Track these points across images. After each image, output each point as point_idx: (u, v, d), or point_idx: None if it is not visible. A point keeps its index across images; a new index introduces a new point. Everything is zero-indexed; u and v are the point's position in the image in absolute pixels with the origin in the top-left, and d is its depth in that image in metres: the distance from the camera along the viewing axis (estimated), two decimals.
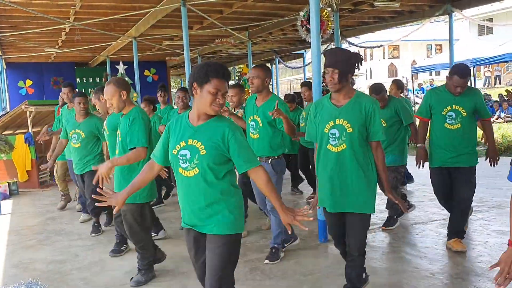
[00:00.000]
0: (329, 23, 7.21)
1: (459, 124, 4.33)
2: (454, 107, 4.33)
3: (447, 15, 9.99)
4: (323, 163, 3.26)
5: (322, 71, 4.36)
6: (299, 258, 4.50)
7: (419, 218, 5.68)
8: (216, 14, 10.06)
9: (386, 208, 5.46)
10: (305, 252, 4.68)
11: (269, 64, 19.90)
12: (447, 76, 4.42)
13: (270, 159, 4.33)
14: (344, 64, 3.10)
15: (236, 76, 21.01)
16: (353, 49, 29.33)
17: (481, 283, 3.69)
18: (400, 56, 43.64)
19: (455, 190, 4.41)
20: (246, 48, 13.46)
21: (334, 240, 3.53)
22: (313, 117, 3.31)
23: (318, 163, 3.32)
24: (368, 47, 15.84)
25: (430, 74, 32.14)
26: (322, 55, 3.56)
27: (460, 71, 4.23)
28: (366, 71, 41.81)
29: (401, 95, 7.09)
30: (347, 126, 3.12)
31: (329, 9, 7.29)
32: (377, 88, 5.18)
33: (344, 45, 13.32)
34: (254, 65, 18.51)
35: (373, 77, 41.06)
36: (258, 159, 3.69)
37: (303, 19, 7.27)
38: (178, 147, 2.55)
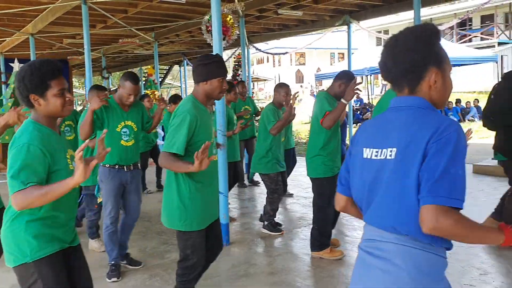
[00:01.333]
0: (234, 28, 7.30)
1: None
2: None
3: (346, 26, 10.53)
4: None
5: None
6: None
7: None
8: (120, 13, 9.76)
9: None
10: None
11: (177, 66, 19.72)
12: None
13: None
14: None
15: (143, 77, 20.53)
16: (260, 55, 29.62)
17: None
18: (306, 63, 45.31)
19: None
20: (152, 49, 13.21)
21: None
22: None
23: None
24: (274, 54, 16.21)
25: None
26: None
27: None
28: (275, 77, 42.87)
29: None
30: None
31: (234, 14, 7.38)
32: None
33: (252, 51, 13.56)
34: (160, 66, 18.25)
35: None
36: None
37: (207, 23, 7.30)
38: None
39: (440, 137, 1.47)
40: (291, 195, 7.23)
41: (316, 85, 24.18)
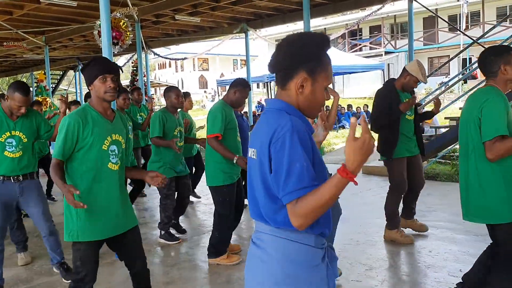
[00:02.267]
0: (128, 33, 7.12)
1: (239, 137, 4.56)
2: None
3: (244, 33, 10.76)
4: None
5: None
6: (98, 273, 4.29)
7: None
8: (4, 15, 9.11)
9: None
10: (100, 269, 4.50)
11: (72, 71, 18.81)
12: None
13: None
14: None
15: (35, 83, 19.29)
16: (162, 60, 29.13)
17: None
18: (209, 69, 45.47)
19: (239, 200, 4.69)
20: (43, 53, 12.48)
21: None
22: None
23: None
24: (173, 59, 16.08)
25: None
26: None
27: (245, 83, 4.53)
28: (178, 82, 42.47)
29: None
30: (122, 142, 2.95)
31: (127, 19, 7.20)
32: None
33: (150, 56, 13.33)
34: (53, 71, 17.26)
35: (185, 87, 41.92)
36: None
37: (99, 28, 7.04)
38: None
39: (276, 139, 1.58)
40: (198, 197, 7.31)
41: (218, 91, 24.28)
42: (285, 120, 1.60)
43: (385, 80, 5.35)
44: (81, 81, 18.38)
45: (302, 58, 1.65)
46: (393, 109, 4.68)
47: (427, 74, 4.78)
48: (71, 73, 20.01)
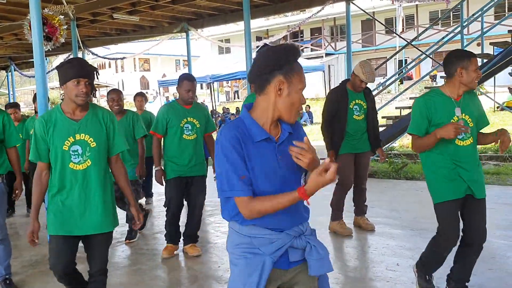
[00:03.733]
0: (61, 31, 6.83)
1: (194, 135, 4.54)
2: (189, 119, 4.54)
3: (185, 33, 10.63)
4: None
5: None
6: (31, 282, 4.16)
7: (157, 228, 5.82)
8: None
9: (126, 222, 5.40)
10: (34, 278, 4.29)
11: (4, 71, 17.88)
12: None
13: None
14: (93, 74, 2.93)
15: None
16: (102, 60, 28.35)
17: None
18: (151, 69, 44.64)
19: (192, 197, 4.65)
20: None
21: None
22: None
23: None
24: (111, 59, 15.65)
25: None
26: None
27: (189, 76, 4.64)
28: (118, 83, 41.40)
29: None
30: (90, 141, 2.89)
31: (61, 16, 6.91)
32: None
33: (88, 56, 12.90)
34: None
35: (126, 88, 40.95)
36: None
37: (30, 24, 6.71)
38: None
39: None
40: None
41: (160, 92, 23.91)
42: (222, 128, 1.94)
43: (328, 82, 5.54)
44: (14, 82, 17.50)
45: (278, 63, 1.86)
46: (340, 108, 4.89)
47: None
48: (3, 73, 19.01)
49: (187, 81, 4.46)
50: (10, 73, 16.78)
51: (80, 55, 11.01)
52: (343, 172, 4.95)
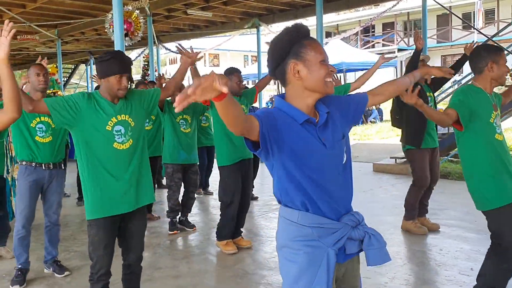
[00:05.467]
0: (139, 27, 7.12)
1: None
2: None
3: (256, 28, 10.71)
4: None
5: None
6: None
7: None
8: (18, 8, 9.17)
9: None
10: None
11: (84, 65, 18.90)
12: None
13: None
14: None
15: None
16: (174, 55, 29.08)
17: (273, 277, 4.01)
18: (220, 65, 45.43)
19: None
20: (56, 47, 12.56)
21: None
22: None
23: None
24: None
25: (247, 83, 34.19)
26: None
27: None
28: (188, 78, 42.50)
29: None
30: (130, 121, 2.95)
31: (137, 11, 7.20)
32: None
33: (162, 51, 13.35)
34: (65, 65, 17.34)
35: None
36: None
37: (111, 21, 7.05)
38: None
39: None
40: (210, 193, 7.26)
41: None
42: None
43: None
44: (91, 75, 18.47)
45: (284, 50, 1.78)
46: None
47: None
48: (82, 67, 20.11)
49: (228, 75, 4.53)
50: (89, 66, 17.71)
51: (155, 50, 11.42)
52: (421, 169, 4.86)
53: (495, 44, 3.16)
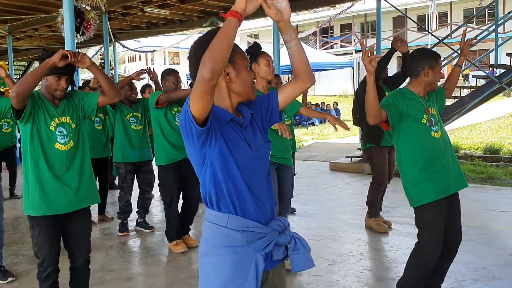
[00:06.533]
0: (94, 24, 6.96)
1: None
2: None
3: (213, 27, 10.65)
4: None
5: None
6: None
7: None
8: None
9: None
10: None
11: (38, 62, 18.31)
12: None
13: None
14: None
15: None
16: (132, 52, 28.63)
17: None
18: (180, 63, 45.02)
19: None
20: (6, 43, 12.10)
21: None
22: None
23: None
24: (141, 52, 15.84)
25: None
26: None
27: None
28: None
29: None
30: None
31: (89, 7, 7.03)
32: None
33: (118, 49, 13.09)
34: (17, 61, 16.68)
35: None
36: None
37: (63, 18, 6.85)
38: None
39: None
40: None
41: (187, 84, 24.08)
42: None
43: (357, 78, 5.57)
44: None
45: None
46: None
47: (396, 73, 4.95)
48: (37, 64, 19.50)
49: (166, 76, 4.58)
50: None
51: (111, 47, 11.19)
52: (381, 167, 4.98)
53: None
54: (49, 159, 2.84)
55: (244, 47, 1.88)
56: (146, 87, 6.97)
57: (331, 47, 29.38)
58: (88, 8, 6.97)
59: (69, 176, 2.88)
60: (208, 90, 1.55)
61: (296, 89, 1.89)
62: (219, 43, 1.55)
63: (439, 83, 3.16)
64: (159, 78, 4.90)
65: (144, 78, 4.99)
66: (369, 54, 2.78)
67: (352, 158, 9.08)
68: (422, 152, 2.97)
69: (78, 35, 6.81)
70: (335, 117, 3.84)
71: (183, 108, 1.65)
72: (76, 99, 3.00)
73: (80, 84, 6.89)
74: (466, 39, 3.36)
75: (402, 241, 4.75)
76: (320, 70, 18.04)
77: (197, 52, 1.75)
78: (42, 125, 2.83)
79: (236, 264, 1.70)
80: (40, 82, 2.86)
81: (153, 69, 5.08)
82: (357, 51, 27.68)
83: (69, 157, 2.89)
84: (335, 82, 26.05)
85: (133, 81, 5.05)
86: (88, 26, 7.10)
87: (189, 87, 4.46)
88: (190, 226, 4.88)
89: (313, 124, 18.58)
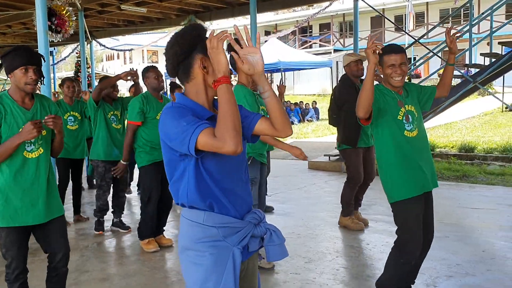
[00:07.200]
0: (70, 22, 6.84)
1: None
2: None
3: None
4: None
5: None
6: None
7: None
8: None
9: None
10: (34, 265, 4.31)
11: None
12: None
13: None
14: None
15: None
16: (110, 51, 28.46)
17: None
18: (159, 61, 44.67)
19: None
20: None
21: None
22: None
23: None
24: (118, 50, 15.65)
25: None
26: None
27: None
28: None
29: None
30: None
31: (71, 7, 6.91)
32: None
33: (96, 47, 12.92)
34: None
35: None
36: None
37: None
38: None
39: None
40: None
41: (166, 83, 23.94)
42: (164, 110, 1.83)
43: (335, 77, 5.61)
44: None
45: (192, 44, 1.79)
46: (349, 99, 4.81)
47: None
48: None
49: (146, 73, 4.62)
50: None
51: (87, 46, 11.02)
52: (356, 167, 5.00)
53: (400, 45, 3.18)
54: (14, 168, 2.72)
55: (224, 45, 1.87)
56: (132, 86, 6.93)
57: (310, 46, 29.52)
58: (59, 2, 6.81)
59: (37, 186, 2.77)
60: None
61: (272, 133, 1.92)
62: (232, 110, 1.65)
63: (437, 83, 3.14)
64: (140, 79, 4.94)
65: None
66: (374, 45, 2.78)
67: (330, 157, 9.14)
68: (398, 149, 3.00)
69: (54, 34, 6.68)
70: (299, 150, 3.92)
71: (177, 136, 1.71)
72: (47, 104, 2.91)
73: (59, 83, 6.71)
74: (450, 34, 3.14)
75: (378, 238, 4.80)
76: (299, 69, 18.10)
77: (174, 46, 1.80)
78: (11, 132, 2.71)
79: (215, 258, 1.77)
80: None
81: (137, 69, 5.06)
82: (335, 50, 27.90)
83: (38, 166, 2.78)
84: (314, 81, 26.18)
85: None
86: (63, 23, 6.96)
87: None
88: (164, 228, 4.84)
89: (292, 123, 18.63)
